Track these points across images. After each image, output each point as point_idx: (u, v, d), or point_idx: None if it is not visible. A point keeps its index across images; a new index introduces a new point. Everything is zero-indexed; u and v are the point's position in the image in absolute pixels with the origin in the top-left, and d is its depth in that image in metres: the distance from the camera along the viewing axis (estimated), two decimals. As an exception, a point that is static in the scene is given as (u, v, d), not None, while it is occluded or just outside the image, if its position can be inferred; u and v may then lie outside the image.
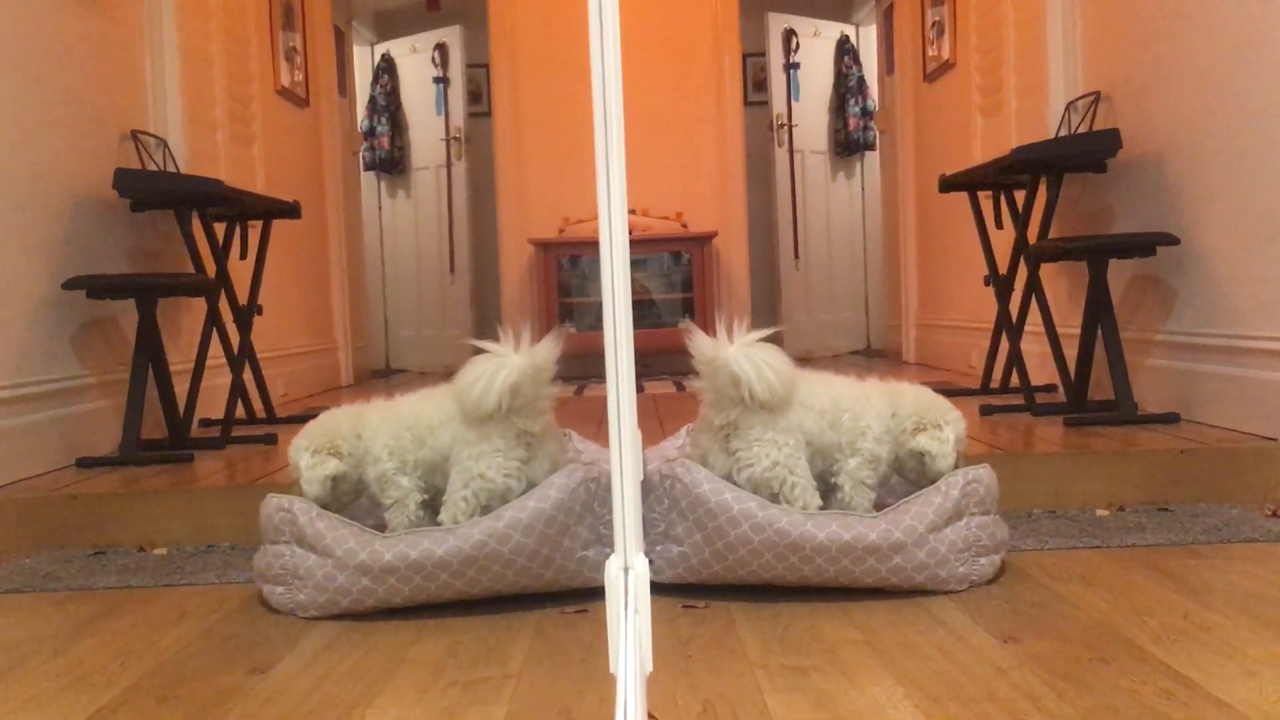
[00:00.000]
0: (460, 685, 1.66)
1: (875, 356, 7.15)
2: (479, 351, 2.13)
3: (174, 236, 3.89)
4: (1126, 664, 1.63)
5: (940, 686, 1.57)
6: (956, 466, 2.17)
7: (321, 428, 2.20)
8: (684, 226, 6.51)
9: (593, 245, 6.19)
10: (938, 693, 1.55)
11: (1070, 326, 3.81)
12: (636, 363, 1.17)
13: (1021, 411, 3.62)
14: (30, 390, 3.12)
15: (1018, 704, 1.49)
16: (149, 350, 3.39)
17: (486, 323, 7.31)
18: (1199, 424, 3.15)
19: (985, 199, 4.34)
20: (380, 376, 7.04)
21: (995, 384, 4.27)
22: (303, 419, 4.22)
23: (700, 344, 2.13)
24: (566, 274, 6.38)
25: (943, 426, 2.17)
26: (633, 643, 0.95)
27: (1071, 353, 3.63)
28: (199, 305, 4.06)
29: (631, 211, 6.48)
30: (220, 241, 3.91)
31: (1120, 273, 3.66)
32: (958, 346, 5.50)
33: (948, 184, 4.30)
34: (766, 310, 7.28)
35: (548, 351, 2.12)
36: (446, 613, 2.03)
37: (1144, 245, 3.31)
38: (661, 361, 6.46)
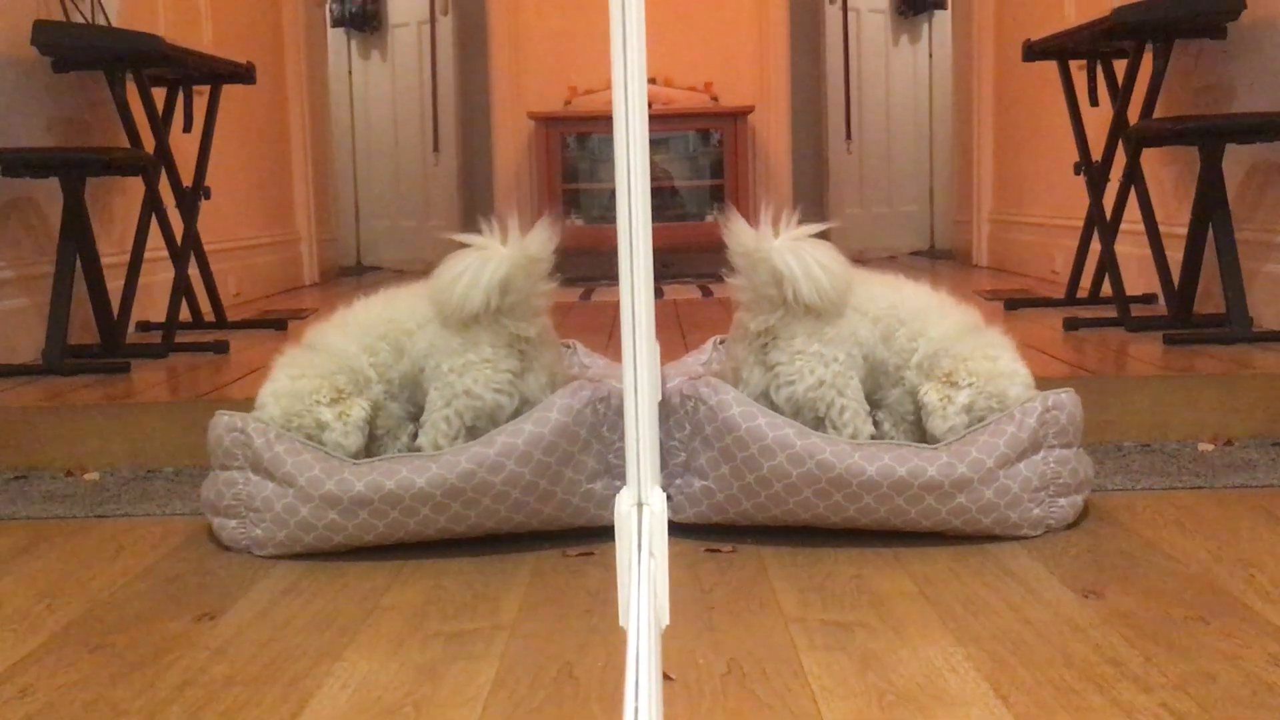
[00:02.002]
0: (443, 637, 1.68)
1: (940, 258, 7.12)
2: (461, 246, 2.12)
3: (105, 103, 3.87)
4: (1229, 624, 1.64)
5: (1008, 648, 1.59)
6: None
7: (314, 368, 2.16)
8: (714, 100, 6.45)
9: (605, 120, 6.15)
10: (1005, 655, 1.56)
11: (1176, 225, 3.77)
12: (656, 262, 1.17)
13: (1114, 326, 3.61)
14: (-63, 285, 3.14)
15: (1099, 669, 1.51)
16: (76, 239, 3.40)
17: (475, 212, 7.29)
18: (1326, 344, 3.15)
19: (1078, 70, 4.29)
20: (350, 274, 7.05)
21: (1084, 293, 4.26)
22: (258, 324, 4.24)
23: (739, 234, 2.11)
24: (573, 155, 6.34)
25: (960, 387, 2.13)
26: (646, 591, 0.95)
27: (1176, 256, 3.61)
28: (135, 186, 4.05)
29: (652, 80, 6.42)
30: (160, 110, 3.89)
31: (1238, 161, 3.62)
32: (1040, 247, 5.47)
33: (1034, 51, 4.24)
34: (813, 201, 7.23)
35: (542, 242, 2.11)
36: (428, 553, 2.05)
37: (1271, 128, 3.27)
38: (685, 261, 6.44)
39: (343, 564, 2.02)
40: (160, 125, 3.86)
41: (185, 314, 4.12)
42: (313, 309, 4.96)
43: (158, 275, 4.15)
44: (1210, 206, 3.39)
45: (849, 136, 7.36)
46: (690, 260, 6.41)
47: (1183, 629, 1.64)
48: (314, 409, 2.11)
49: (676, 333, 3.84)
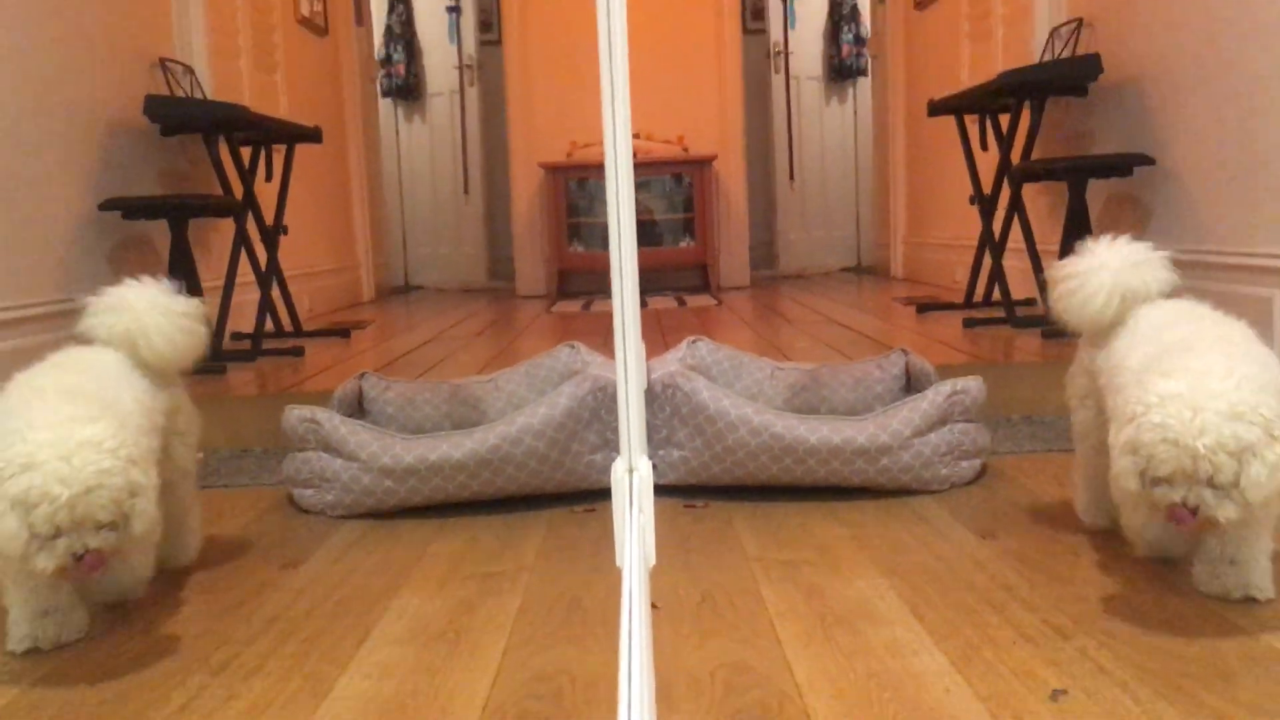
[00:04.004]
0: (477, 577, 1.68)
1: (865, 273, 7.12)
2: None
3: (202, 160, 3.85)
4: (1095, 557, 1.65)
5: (923, 579, 1.59)
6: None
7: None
8: (685, 150, 6.44)
9: (598, 168, 6.14)
10: (920, 584, 1.57)
11: (1050, 244, 3.78)
12: (640, 279, 1.17)
13: (1003, 324, 3.62)
14: (75, 305, 3.12)
15: (994, 594, 1.51)
16: (182, 267, 3.39)
17: (500, 240, 7.28)
18: (1169, 335, 3.15)
19: (971, 123, 4.29)
20: (399, 293, 7.03)
21: (978, 298, 4.27)
22: (327, 333, 4.23)
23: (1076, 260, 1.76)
24: (574, 195, 6.33)
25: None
26: (637, 538, 0.96)
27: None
28: (227, 226, 4.04)
29: (635, 135, 6.40)
30: (246, 165, 3.88)
31: (1099, 193, 3.63)
32: (943, 263, 5.48)
33: (936, 108, 4.25)
34: (763, 228, 7.23)
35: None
36: (464, 512, 2.05)
37: (1121, 165, 3.27)
38: (663, 278, 6.45)
39: (397, 521, 2.02)
40: (246, 176, 3.84)
41: (269, 326, 4.11)
42: (371, 320, 4.94)
43: (247, 296, 4.13)
44: (1076, 229, 3.40)
45: (792, 177, 7.36)
46: (668, 278, 6.43)
47: (1060, 561, 1.64)
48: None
49: (658, 334, 3.83)
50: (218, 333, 3.60)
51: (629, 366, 1.00)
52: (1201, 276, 3.02)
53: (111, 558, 1.40)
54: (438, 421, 2.35)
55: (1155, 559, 1.62)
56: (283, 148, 4.23)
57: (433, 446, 2.00)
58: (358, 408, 2.39)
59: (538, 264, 6.44)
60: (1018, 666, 1.28)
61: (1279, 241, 2.70)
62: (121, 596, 1.62)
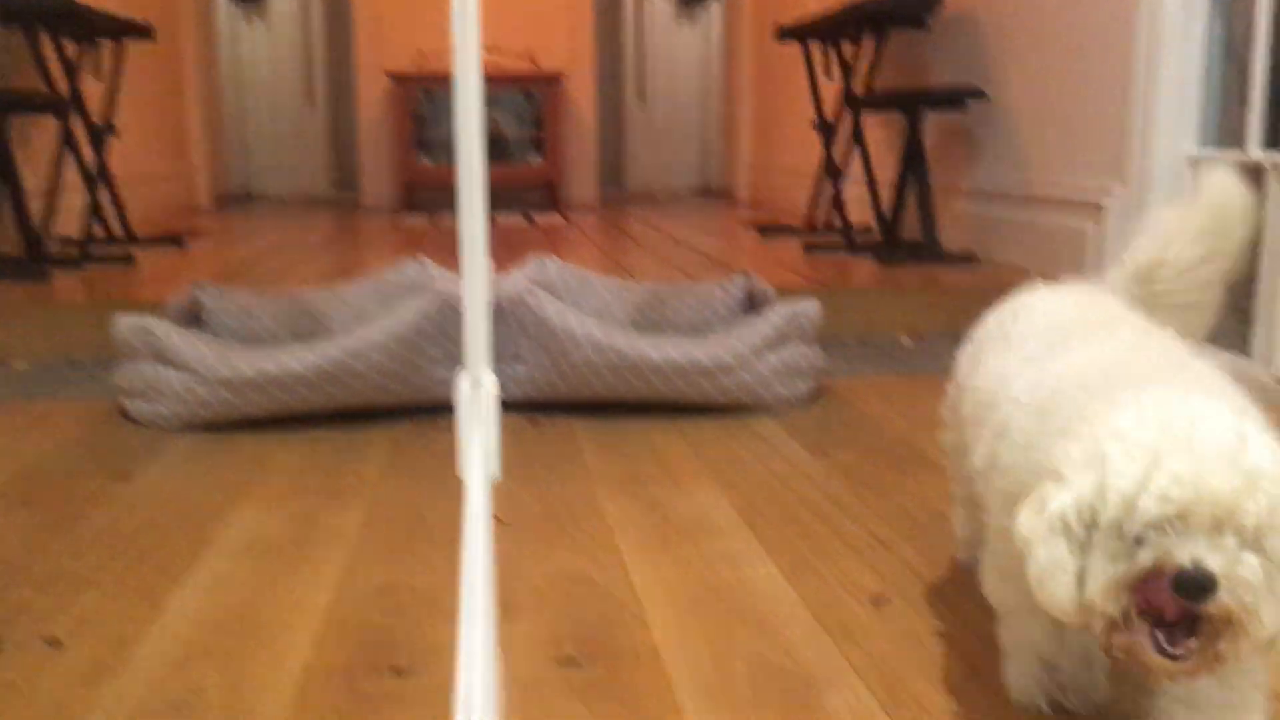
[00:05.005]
0: (319, 491, 1.65)
1: (712, 196, 7.17)
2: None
3: (24, 54, 3.59)
4: (920, 474, 1.72)
5: (759, 493, 1.64)
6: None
7: None
8: (535, 65, 6.33)
9: (447, 79, 5.99)
10: (756, 499, 1.61)
11: (888, 172, 3.88)
12: (488, 195, 1.15)
13: (840, 250, 3.70)
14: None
15: (825, 508, 1.57)
16: (1, 167, 3.17)
17: (345, 150, 7.05)
18: (994, 263, 3.28)
19: (818, 50, 4.33)
20: (239, 202, 6.76)
21: (819, 224, 4.35)
22: (163, 240, 4.04)
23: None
24: (422, 106, 6.16)
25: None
26: (481, 453, 0.95)
27: (887, 197, 3.71)
28: (52, 125, 3.80)
29: (485, 48, 6.25)
30: (72, 60, 3.64)
31: (934, 124, 3.72)
32: (788, 188, 5.56)
33: (784, 33, 4.27)
34: (612, 149, 7.20)
35: None
36: (305, 426, 2.00)
37: (953, 98, 3.36)
38: (512, 196, 6.37)
39: (236, 434, 1.96)
40: (73, 72, 3.61)
41: (99, 232, 3.90)
42: (207, 228, 4.74)
43: (74, 199, 3.90)
44: (912, 159, 3.49)
45: (642, 98, 7.33)
46: (516, 195, 6.35)
47: (886, 477, 1.71)
48: None
49: (506, 252, 3.80)
50: (40, 236, 3.40)
51: (475, 281, 0.99)
52: (1025, 209, 3.15)
53: None
54: (278, 334, 2.28)
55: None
56: (112, 43, 3.99)
57: (273, 359, 1.95)
58: (194, 318, 2.30)
59: (384, 176, 6.27)
60: (843, 576, 1.33)
61: (1093, 177, 2.82)
62: None
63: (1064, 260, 2.94)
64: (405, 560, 1.39)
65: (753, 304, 2.41)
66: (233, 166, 7.06)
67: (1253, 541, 0.75)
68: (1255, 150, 2.31)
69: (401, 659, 1.13)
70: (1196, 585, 0.75)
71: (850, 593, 1.29)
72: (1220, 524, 0.75)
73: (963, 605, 1.24)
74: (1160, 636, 0.78)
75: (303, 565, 1.37)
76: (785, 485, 1.67)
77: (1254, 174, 2.40)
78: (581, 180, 6.39)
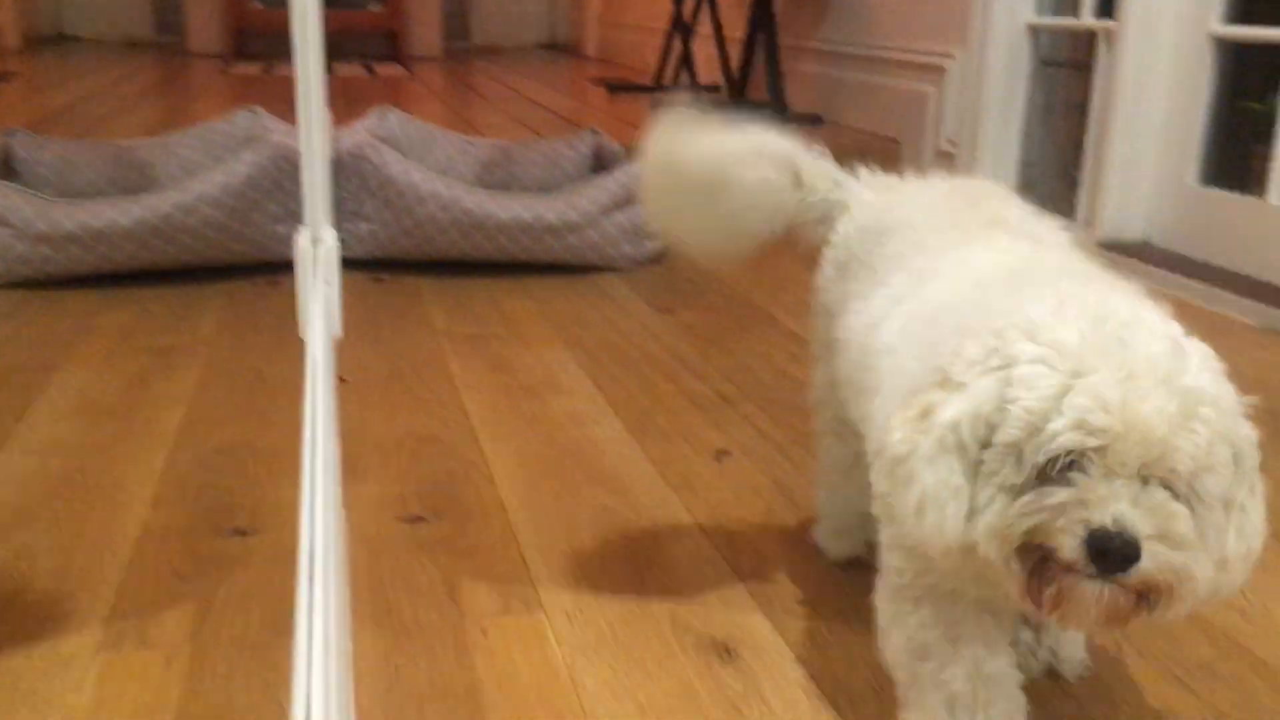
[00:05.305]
0: (151, 351, 1.59)
1: (560, 51, 7.01)
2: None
3: None
4: (763, 332, 1.76)
5: (605, 351, 1.65)
6: None
7: None
8: (375, -96, 6.00)
9: (280, -84, 5.61)
10: (602, 357, 1.62)
11: (737, 31, 3.85)
12: (326, 44, 1.09)
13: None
14: None
15: (669, 365, 1.59)
16: None
17: (167, -8, 6.60)
18: (839, 125, 3.32)
19: (669, -99, 4.23)
20: (51, 43, 6.28)
21: (668, 81, 4.31)
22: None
23: None
24: (252, -55, 5.79)
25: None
26: (322, 310, 0.93)
27: (736, 55, 3.69)
28: None
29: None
30: None
31: (784, -17, 3.70)
32: (637, 45, 5.47)
33: (635, -118, 4.14)
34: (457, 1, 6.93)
35: None
36: (134, 283, 1.91)
37: (807, -42, 3.34)
38: (351, 44, 6.08)
39: (59, 291, 1.86)
40: None
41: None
42: (17, 71, 4.40)
43: None
44: (762, 19, 3.47)
45: (488, -55, 7.04)
46: (357, 43, 6.07)
47: (730, 335, 1.74)
48: None
49: (345, 104, 3.65)
50: None
51: (313, 134, 0.95)
52: (870, 70, 3.18)
53: None
54: (101, 186, 2.15)
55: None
56: None
57: (97, 213, 1.84)
58: (7, 169, 2.15)
59: (212, 19, 5.91)
60: (687, 431, 1.36)
61: (936, 40, 2.86)
62: None
63: (906, 123, 3.00)
64: (245, 420, 1.35)
65: (601, 163, 2.39)
66: (43, 3, 6.54)
67: (1185, 489, 0.61)
68: (1088, 17, 2.38)
69: (243, 519, 1.11)
70: (1116, 554, 0.59)
71: (694, 448, 1.32)
72: (1149, 468, 0.60)
73: (800, 458, 1.29)
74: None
75: (137, 426, 1.33)
76: (631, 343, 1.69)
77: (1086, 39, 2.48)
78: (425, 30, 6.15)
